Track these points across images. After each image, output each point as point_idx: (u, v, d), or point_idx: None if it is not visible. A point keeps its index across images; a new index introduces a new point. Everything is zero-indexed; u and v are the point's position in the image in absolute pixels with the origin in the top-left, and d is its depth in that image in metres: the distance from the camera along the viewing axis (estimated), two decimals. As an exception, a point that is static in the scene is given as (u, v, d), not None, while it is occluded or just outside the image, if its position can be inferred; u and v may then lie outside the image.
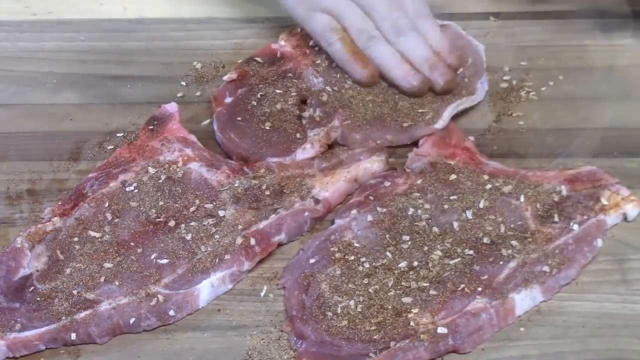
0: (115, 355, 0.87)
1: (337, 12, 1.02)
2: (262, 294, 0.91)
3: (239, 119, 1.02)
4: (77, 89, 1.10)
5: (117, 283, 0.89)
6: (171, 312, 0.88)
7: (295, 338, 0.86)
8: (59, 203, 0.96)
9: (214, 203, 0.95)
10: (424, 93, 1.01)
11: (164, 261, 0.90)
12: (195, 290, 0.89)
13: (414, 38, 1.02)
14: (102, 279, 0.90)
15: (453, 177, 0.96)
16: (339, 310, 0.87)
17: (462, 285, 0.88)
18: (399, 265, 0.89)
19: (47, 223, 0.94)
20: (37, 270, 0.91)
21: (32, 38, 1.15)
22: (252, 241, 0.92)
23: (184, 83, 1.09)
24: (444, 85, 1.01)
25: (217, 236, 0.92)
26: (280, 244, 0.94)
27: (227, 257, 0.91)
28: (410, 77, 1.01)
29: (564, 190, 0.94)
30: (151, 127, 1.02)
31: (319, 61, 1.07)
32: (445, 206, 0.94)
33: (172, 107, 1.04)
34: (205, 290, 0.90)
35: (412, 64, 1.01)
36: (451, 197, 0.94)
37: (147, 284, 0.89)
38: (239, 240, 0.92)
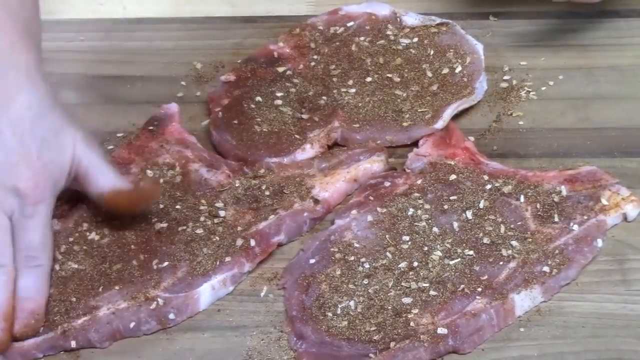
0: (114, 356, 0.87)
1: None
2: (262, 294, 0.91)
3: (236, 121, 1.02)
4: (77, 89, 1.10)
5: (116, 288, 0.89)
6: (171, 316, 0.88)
7: (295, 338, 0.87)
8: (57, 203, 0.96)
9: (214, 204, 0.95)
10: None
11: (164, 264, 0.90)
12: (195, 293, 0.89)
13: None
14: (101, 284, 0.89)
15: (453, 177, 0.96)
16: (338, 311, 0.87)
17: (462, 286, 0.88)
18: (399, 266, 0.89)
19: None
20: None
21: (32, 38, 1.15)
22: (252, 242, 0.92)
23: (184, 83, 1.09)
24: None
25: (217, 238, 0.92)
26: (280, 245, 0.94)
27: (227, 259, 0.91)
28: None
29: (564, 190, 0.94)
30: (151, 127, 1.02)
31: (317, 62, 1.07)
32: (445, 206, 0.94)
33: (172, 108, 1.03)
34: (206, 293, 0.89)
35: None
36: (451, 198, 0.94)
37: (147, 287, 0.89)
38: (239, 242, 0.91)
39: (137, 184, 0.96)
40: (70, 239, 0.93)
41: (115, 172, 0.93)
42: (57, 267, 0.91)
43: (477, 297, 0.87)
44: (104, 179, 0.92)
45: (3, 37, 0.92)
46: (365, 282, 0.89)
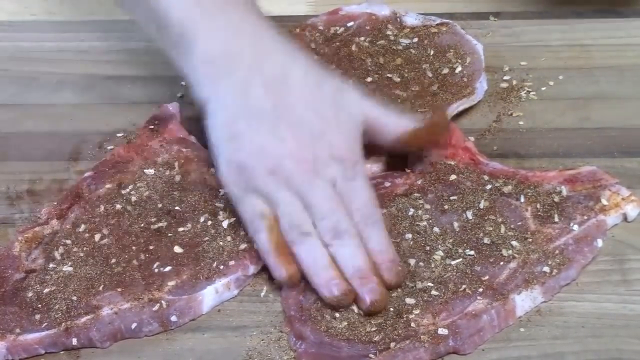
0: (114, 356, 0.87)
1: (273, 199, 0.89)
2: (262, 294, 0.91)
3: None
4: (77, 89, 1.10)
5: (118, 289, 0.89)
6: (173, 318, 0.88)
7: (294, 339, 0.86)
8: (55, 203, 0.96)
9: (214, 205, 0.95)
10: (345, 306, 0.87)
11: (168, 267, 0.90)
12: (199, 295, 0.89)
13: (351, 245, 0.88)
14: (101, 283, 0.89)
15: (453, 177, 0.96)
16: (337, 314, 0.87)
17: (464, 286, 0.88)
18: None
19: (45, 226, 0.94)
20: (35, 274, 0.90)
21: (32, 38, 1.15)
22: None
23: (184, 83, 1.09)
24: (370, 305, 0.86)
25: (220, 241, 0.92)
26: (281, 245, 0.94)
27: (231, 262, 0.91)
28: (333, 285, 0.87)
29: (564, 190, 0.94)
30: (152, 126, 1.02)
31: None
32: (446, 207, 0.94)
33: (173, 107, 1.03)
34: (210, 296, 0.89)
35: (341, 271, 0.88)
36: (451, 198, 0.94)
37: (151, 289, 0.89)
38: (242, 246, 0.91)
39: (425, 118, 0.96)
40: (69, 240, 0.93)
41: (400, 113, 0.94)
42: (56, 266, 0.91)
43: (478, 297, 0.87)
44: (395, 123, 0.93)
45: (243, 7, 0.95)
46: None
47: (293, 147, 0.89)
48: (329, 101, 0.91)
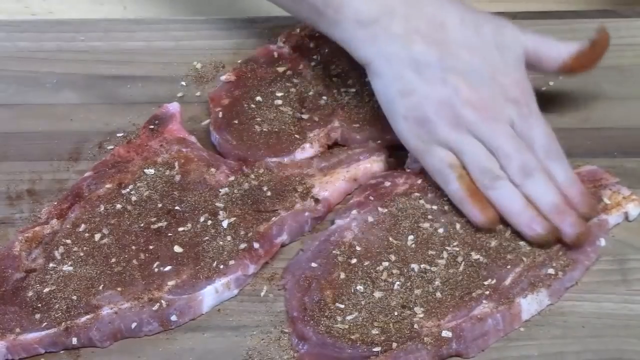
0: (114, 356, 0.87)
1: (458, 149, 0.91)
2: (262, 294, 0.91)
3: (236, 121, 1.02)
4: (77, 89, 1.09)
5: (118, 289, 0.89)
6: (173, 318, 0.88)
7: (296, 339, 0.86)
8: (55, 203, 0.96)
9: (214, 203, 0.94)
10: (551, 243, 0.90)
11: (168, 266, 0.90)
12: (199, 295, 0.89)
13: (542, 181, 0.90)
14: (101, 282, 0.89)
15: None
16: (339, 318, 0.86)
17: (469, 289, 0.87)
18: (403, 269, 0.89)
19: (46, 226, 0.94)
20: (35, 274, 0.90)
21: (32, 38, 1.15)
22: (256, 245, 0.92)
23: (184, 83, 1.09)
24: (575, 238, 0.89)
25: (220, 241, 0.92)
26: (282, 245, 0.94)
27: (231, 262, 0.90)
28: (536, 224, 0.89)
29: (564, 190, 0.94)
30: (152, 126, 1.02)
31: (317, 62, 1.07)
32: (446, 207, 0.94)
33: (174, 107, 1.03)
34: (210, 295, 0.89)
35: (539, 209, 0.90)
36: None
37: (151, 289, 0.89)
38: (242, 245, 0.91)
39: (589, 40, 0.97)
40: (70, 239, 0.93)
41: (559, 40, 0.96)
42: (56, 266, 0.91)
43: (484, 300, 0.86)
44: (557, 50, 0.96)
45: None
46: (370, 286, 0.88)
47: (468, 95, 0.91)
48: (491, 43, 0.93)
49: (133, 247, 0.92)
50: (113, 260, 0.91)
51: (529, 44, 0.95)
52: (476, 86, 0.91)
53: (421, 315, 0.86)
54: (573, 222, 0.89)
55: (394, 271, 0.89)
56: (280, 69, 1.07)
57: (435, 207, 0.94)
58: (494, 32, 0.94)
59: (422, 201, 0.94)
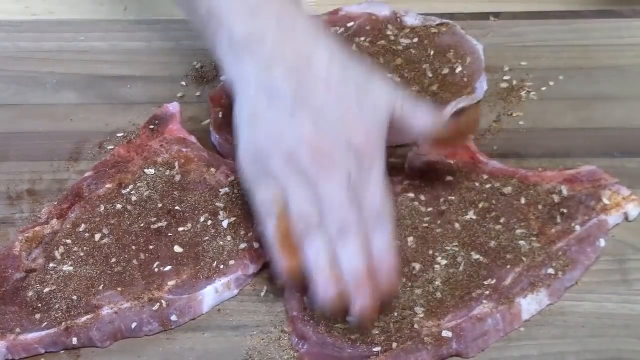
0: (114, 355, 0.87)
1: (285, 186, 0.85)
2: (262, 293, 0.91)
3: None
4: (77, 89, 1.10)
5: (119, 289, 0.89)
6: (173, 317, 0.88)
7: (296, 339, 0.86)
8: (55, 203, 0.96)
9: (214, 204, 0.94)
10: (337, 310, 0.85)
11: (168, 266, 0.90)
12: (199, 295, 0.89)
13: (354, 244, 0.84)
14: (101, 282, 0.89)
15: (450, 177, 0.96)
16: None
17: (469, 289, 0.87)
18: (403, 268, 0.89)
19: (46, 226, 0.94)
20: (35, 273, 0.90)
21: (32, 38, 1.15)
22: (256, 244, 0.91)
23: (184, 83, 1.09)
24: (358, 314, 0.84)
25: (220, 241, 0.92)
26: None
27: (231, 262, 0.90)
28: (330, 286, 0.84)
29: (564, 190, 0.94)
30: (152, 126, 1.02)
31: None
32: (444, 207, 0.94)
33: (174, 107, 1.03)
34: (210, 295, 0.89)
35: (341, 272, 0.84)
36: (450, 198, 0.94)
37: (151, 288, 0.89)
38: (242, 245, 0.91)
39: (456, 118, 0.94)
40: (70, 239, 0.93)
41: (429, 108, 0.91)
42: (56, 266, 0.91)
43: (484, 300, 0.87)
44: (423, 117, 0.90)
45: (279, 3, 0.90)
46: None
47: (310, 133, 0.85)
48: (353, 88, 0.87)
49: (133, 247, 0.92)
50: (113, 260, 0.91)
51: (396, 105, 0.89)
52: (321, 126, 0.85)
53: (421, 315, 0.86)
54: (364, 296, 0.83)
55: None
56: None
57: (435, 208, 0.94)
58: (361, 79, 0.88)
59: (416, 202, 0.94)
